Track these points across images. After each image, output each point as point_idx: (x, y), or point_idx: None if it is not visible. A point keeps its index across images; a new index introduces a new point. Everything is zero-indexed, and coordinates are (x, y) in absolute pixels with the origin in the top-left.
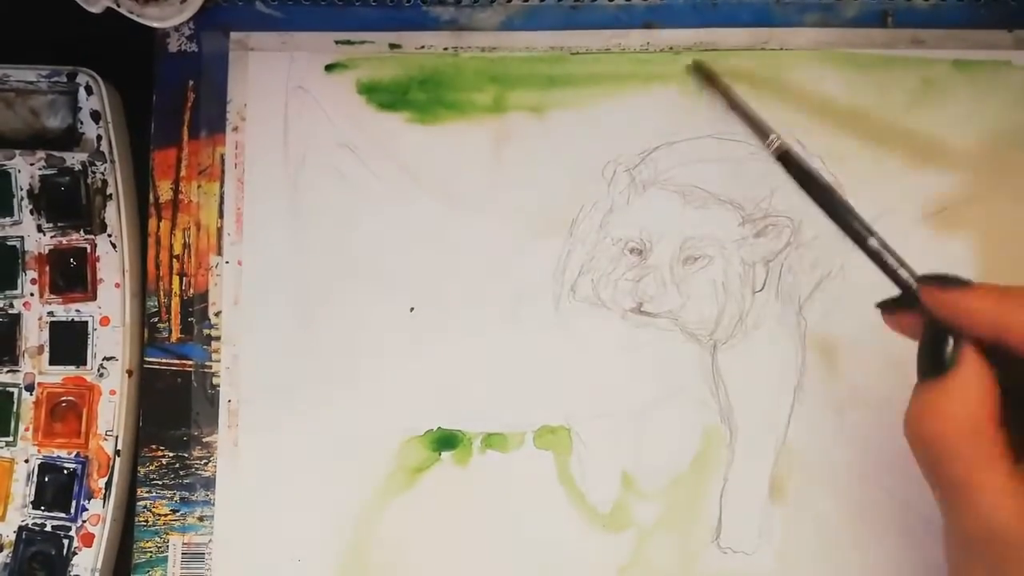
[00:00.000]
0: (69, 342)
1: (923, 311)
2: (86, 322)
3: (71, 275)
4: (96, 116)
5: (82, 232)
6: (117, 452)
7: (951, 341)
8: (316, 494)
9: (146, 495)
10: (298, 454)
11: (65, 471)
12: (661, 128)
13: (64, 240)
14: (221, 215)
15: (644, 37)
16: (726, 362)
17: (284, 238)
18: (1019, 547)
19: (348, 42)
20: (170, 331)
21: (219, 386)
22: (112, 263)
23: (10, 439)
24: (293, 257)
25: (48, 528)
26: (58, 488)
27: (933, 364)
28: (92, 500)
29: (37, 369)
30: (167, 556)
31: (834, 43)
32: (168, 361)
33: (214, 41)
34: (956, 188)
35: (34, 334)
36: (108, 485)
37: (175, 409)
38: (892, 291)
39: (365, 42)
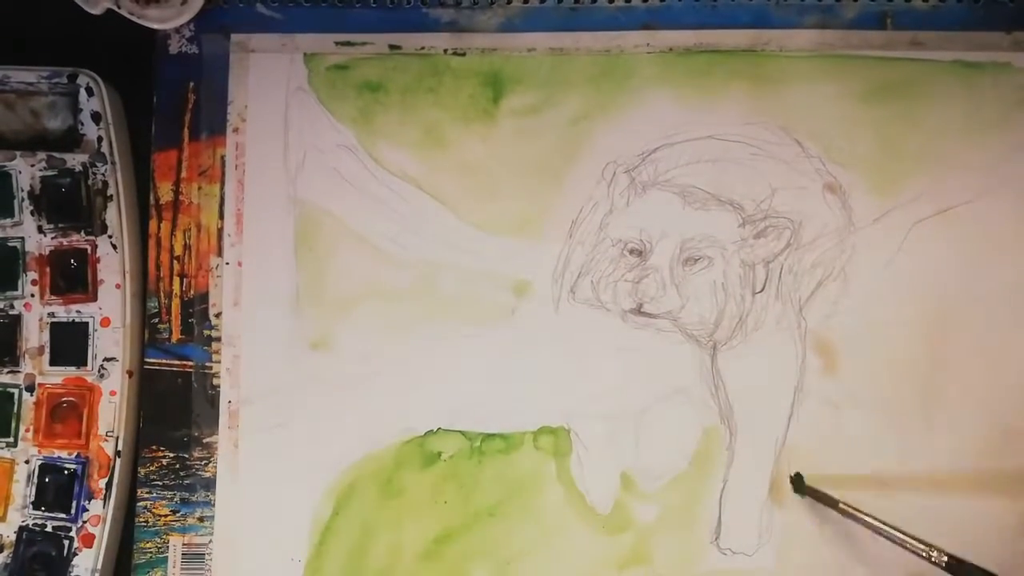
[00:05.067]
0: (70, 343)
1: None
2: (87, 323)
3: (72, 276)
4: (97, 117)
5: (83, 233)
6: (117, 453)
7: None
8: (316, 495)
9: (146, 496)
10: (298, 455)
11: (65, 472)
12: (661, 129)
13: (65, 241)
14: (221, 216)
15: (644, 38)
16: (726, 363)
17: (284, 240)
18: None
19: (348, 43)
20: (170, 332)
21: (219, 387)
22: (113, 264)
23: (11, 440)
24: (293, 259)
25: (48, 528)
26: (58, 489)
27: None
28: (92, 501)
29: (38, 370)
30: (167, 557)
31: (833, 45)
32: (168, 362)
33: (215, 43)
34: (957, 189)
35: (35, 335)
36: (108, 486)
37: (175, 410)
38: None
39: (365, 43)
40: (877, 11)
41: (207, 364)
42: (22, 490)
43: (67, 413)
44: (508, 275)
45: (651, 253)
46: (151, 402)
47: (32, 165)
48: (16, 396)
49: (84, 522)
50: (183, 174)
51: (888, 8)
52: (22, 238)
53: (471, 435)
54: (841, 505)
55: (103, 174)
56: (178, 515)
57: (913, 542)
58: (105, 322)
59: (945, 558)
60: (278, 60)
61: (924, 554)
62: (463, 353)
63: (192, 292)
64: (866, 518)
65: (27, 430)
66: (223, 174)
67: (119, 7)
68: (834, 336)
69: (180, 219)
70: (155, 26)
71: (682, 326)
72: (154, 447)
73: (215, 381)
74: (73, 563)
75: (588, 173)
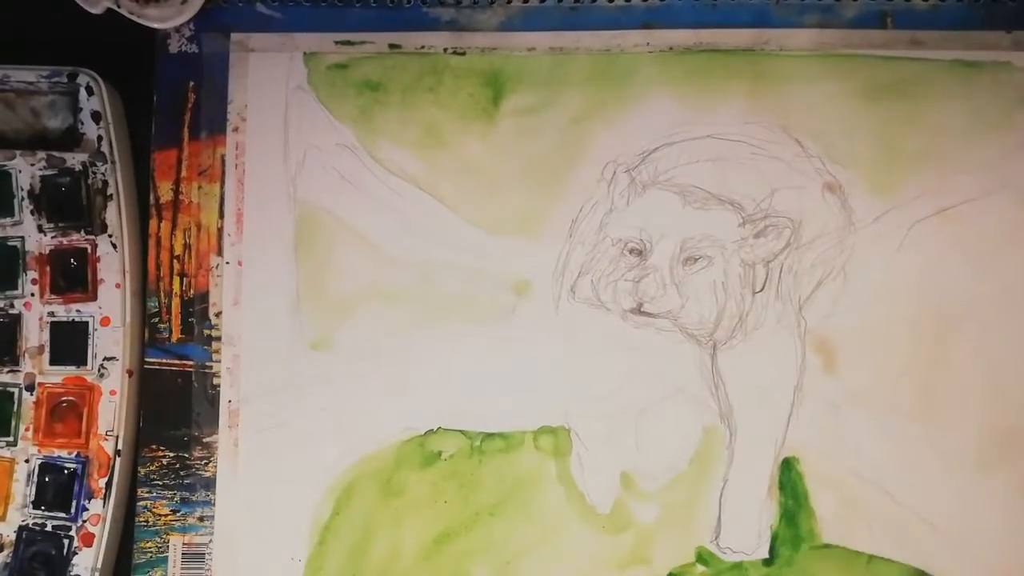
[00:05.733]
0: (69, 342)
1: None
2: (86, 322)
3: (72, 275)
4: (96, 117)
5: (83, 232)
6: (117, 452)
7: None
8: (316, 495)
9: (146, 495)
10: (298, 455)
11: (65, 471)
12: (661, 128)
13: (65, 240)
14: (221, 215)
15: (643, 37)
16: (726, 362)
17: (284, 239)
18: None
19: (348, 43)
20: (170, 331)
21: (219, 386)
22: (112, 263)
23: (10, 439)
24: (293, 258)
25: (48, 528)
26: (58, 488)
27: None
28: (92, 500)
29: (37, 369)
30: (167, 556)
31: (834, 44)
32: (168, 361)
33: (215, 42)
34: (957, 189)
35: (35, 334)
36: (108, 485)
37: (175, 409)
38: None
39: (365, 42)
40: (877, 10)
41: (207, 364)
42: (22, 489)
43: (67, 412)
44: (508, 275)
45: (651, 252)
46: (151, 402)
47: (32, 164)
48: (16, 395)
49: (84, 521)
50: (183, 173)
51: (888, 7)
52: (22, 237)
53: (471, 435)
54: None
55: (103, 173)
56: (178, 515)
57: None
58: (105, 321)
59: None
60: (278, 59)
61: None
62: (463, 353)
63: (192, 291)
64: None
65: (27, 429)
66: (223, 173)
67: (119, 7)
68: (834, 336)
69: (180, 218)
70: (155, 25)
71: (682, 326)
72: (154, 447)
73: (215, 381)
74: (73, 562)
75: (588, 173)
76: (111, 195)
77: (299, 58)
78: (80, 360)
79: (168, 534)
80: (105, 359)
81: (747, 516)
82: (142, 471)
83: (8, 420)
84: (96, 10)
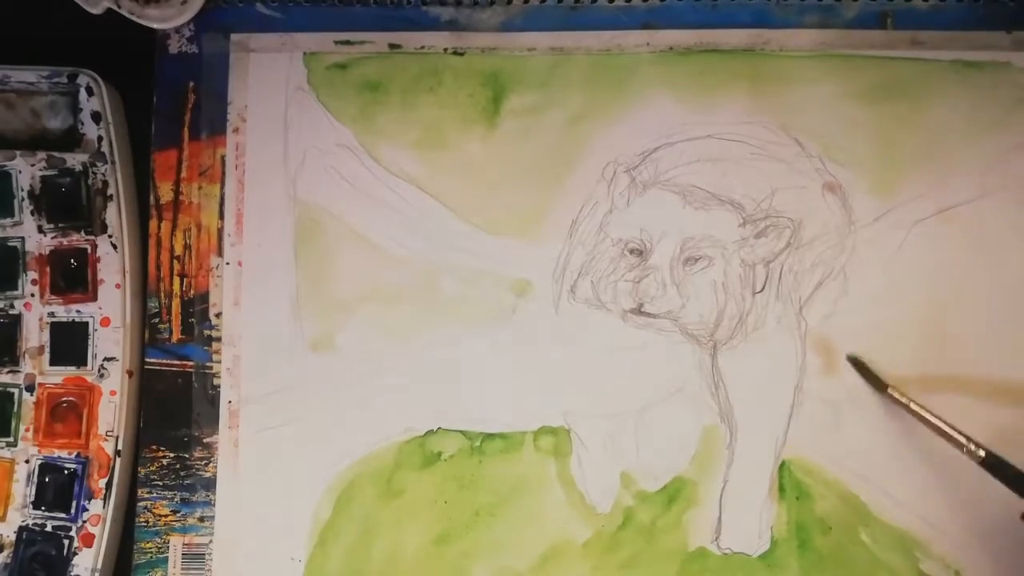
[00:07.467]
0: (70, 343)
1: None
2: (87, 323)
3: (72, 276)
4: (97, 117)
5: (83, 233)
6: (117, 452)
7: None
8: (316, 495)
9: (146, 496)
10: (298, 455)
11: (65, 471)
12: (661, 128)
13: (65, 241)
14: (222, 216)
15: (644, 38)
16: (726, 362)
17: (284, 240)
18: None
19: (348, 42)
20: (171, 332)
21: (219, 387)
22: (113, 264)
23: (10, 439)
24: (293, 259)
25: (48, 528)
26: (58, 488)
27: None
28: (92, 500)
29: (38, 370)
30: (167, 557)
31: (834, 44)
32: (169, 362)
33: (215, 42)
34: (957, 189)
35: (35, 335)
36: (108, 485)
37: (176, 410)
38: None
39: (365, 42)
40: (877, 11)
41: (207, 364)
42: (22, 490)
43: (67, 413)
44: (508, 275)
45: (651, 253)
46: (151, 402)
47: (32, 165)
48: (16, 396)
49: (84, 522)
50: (183, 174)
51: (888, 8)
52: (22, 238)
53: (471, 435)
54: (889, 390)
55: (103, 174)
56: (178, 515)
57: (953, 433)
58: (105, 322)
59: (982, 453)
60: (278, 60)
61: (963, 447)
62: (463, 353)
63: (192, 292)
64: (911, 405)
65: (27, 430)
66: (223, 174)
67: (119, 7)
68: (834, 336)
69: (180, 219)
70: (155, 26)
71: (682, 326)
72: (154, 447)
73: (215, 381)
74: (73, 563)
75: (588, 173)
76: (111, 195)
77: (299, 58)
78: (80, 360)
79: (168, 534)
80: (105, 359)
81: (748, 516)
82: (142, 471)
83: (8, 420)
84: (96, 10)
